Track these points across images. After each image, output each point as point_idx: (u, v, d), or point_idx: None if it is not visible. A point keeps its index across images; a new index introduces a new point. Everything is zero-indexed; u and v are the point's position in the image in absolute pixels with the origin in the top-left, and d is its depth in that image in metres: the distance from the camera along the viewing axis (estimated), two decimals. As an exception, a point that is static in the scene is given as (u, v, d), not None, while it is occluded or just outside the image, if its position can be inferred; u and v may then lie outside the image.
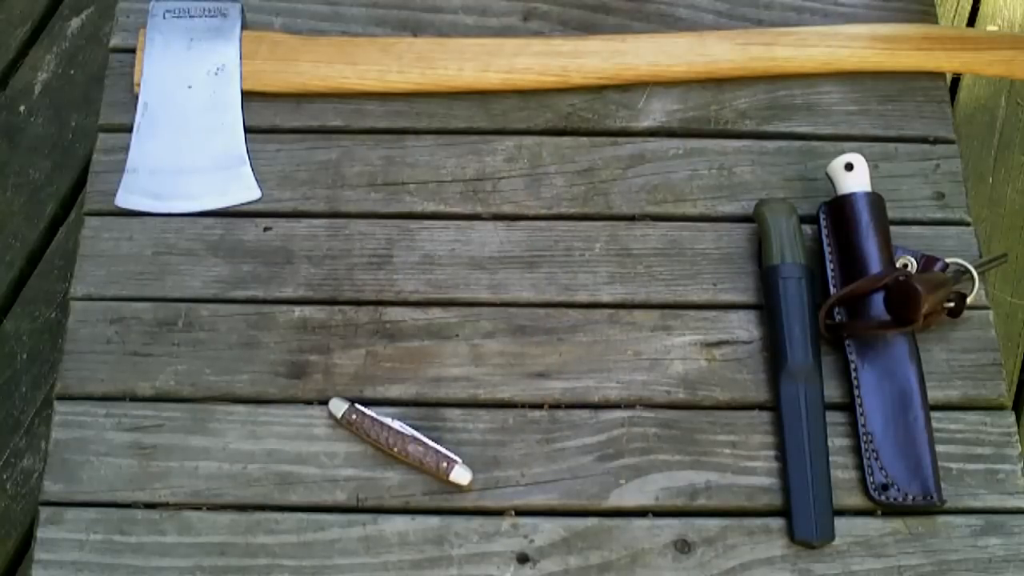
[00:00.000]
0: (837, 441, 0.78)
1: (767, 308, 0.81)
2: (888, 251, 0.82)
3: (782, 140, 0.90)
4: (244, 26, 0.91)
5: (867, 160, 0.84)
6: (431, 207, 0.86)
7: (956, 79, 1.77)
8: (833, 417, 0.79)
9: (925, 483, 0.76)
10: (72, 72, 1.73)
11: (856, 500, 0.77)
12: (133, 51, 0.90)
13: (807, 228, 0.85)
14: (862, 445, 0.77)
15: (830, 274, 0.82)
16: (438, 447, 0.75)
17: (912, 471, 0.76)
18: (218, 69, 0.88)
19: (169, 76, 0.88)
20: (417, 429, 0.76)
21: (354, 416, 0.76)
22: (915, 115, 0.91)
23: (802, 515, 0.75)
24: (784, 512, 0.76)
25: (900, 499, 0.76)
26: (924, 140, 0.91)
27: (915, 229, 0.87)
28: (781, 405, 0.78)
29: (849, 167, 0.83)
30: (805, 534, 0.74)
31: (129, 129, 0.87)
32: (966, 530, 0.76)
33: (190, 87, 0.88)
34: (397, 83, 0.89)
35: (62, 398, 0.78)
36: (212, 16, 0.90)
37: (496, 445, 0.77)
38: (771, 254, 0.81)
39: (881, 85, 0.92)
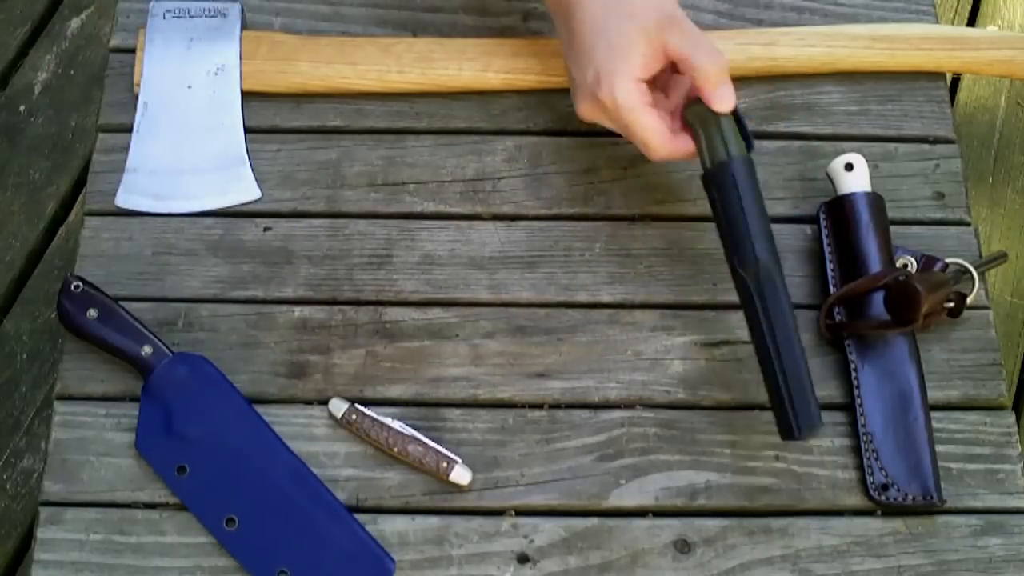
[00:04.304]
0: (837, 441, 0.78)
1: (720, 209, 0.78)
2: (888, 251, 0.82)
3: (782, 140, 0.90)
4: (244, 26, 0.91)
5: (867, 160, 0.84)
6: (431, 207, 0.86)
7: (956, 79, 1.77)
8: (833, 417, 0.79)
9: (925, 483, 0.76)
10: (72, 72, 1.74)
11: (856, 500, 0.77)
12: (133, 51, 0.90)
13: (807, 228, 0.86)
14: (862, 445, 0.77)
15: (830, 274, 0.83)
16: (438, 447, 0.76)
17: (912, 471, 0.76)
18: (218, 69, 0.88)
19: (169, 76, 0.88)
20: (417, 429, 0.76)
21: (354, 416, 0.76)
22: (915, 115, 0.91)
23: (780, 416, 0.73)
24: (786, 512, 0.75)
25: (900, 499, 0.76)
26: (924, 140, 0.91)
27: (915, 229, 0.87)
28: (742, 304, 0.76)
29: (849, 167, 0.84)
30: (787, 433, 0.73)
31: (129, 129, 0.87)
32: (966, 530, 0.76)
33: (190, 87, 0.88)
34: (397, 83, 0.89)
35: (62, 398, 0.78)
36: (212, 16, 0.90)
37: (496, 445, 0.77)
38: (717, 152, 0.78)
39: (881, 85, 0.92)
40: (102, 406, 0.78)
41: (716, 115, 0.77)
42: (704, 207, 0.86)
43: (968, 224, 0.88)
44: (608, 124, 0.81)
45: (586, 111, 0.81)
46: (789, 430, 0.73)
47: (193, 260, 0.83)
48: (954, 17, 1.85)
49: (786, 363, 0.73)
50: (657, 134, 0.78)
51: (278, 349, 0.80)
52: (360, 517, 0.74)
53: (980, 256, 0.86)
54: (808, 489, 0.77)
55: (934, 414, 0.79)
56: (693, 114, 0.79)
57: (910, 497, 0.76)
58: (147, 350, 0.76)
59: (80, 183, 1.62)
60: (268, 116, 0.89)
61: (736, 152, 0.77)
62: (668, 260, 0.84)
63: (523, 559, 0.74)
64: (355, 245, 0.84)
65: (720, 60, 0.77)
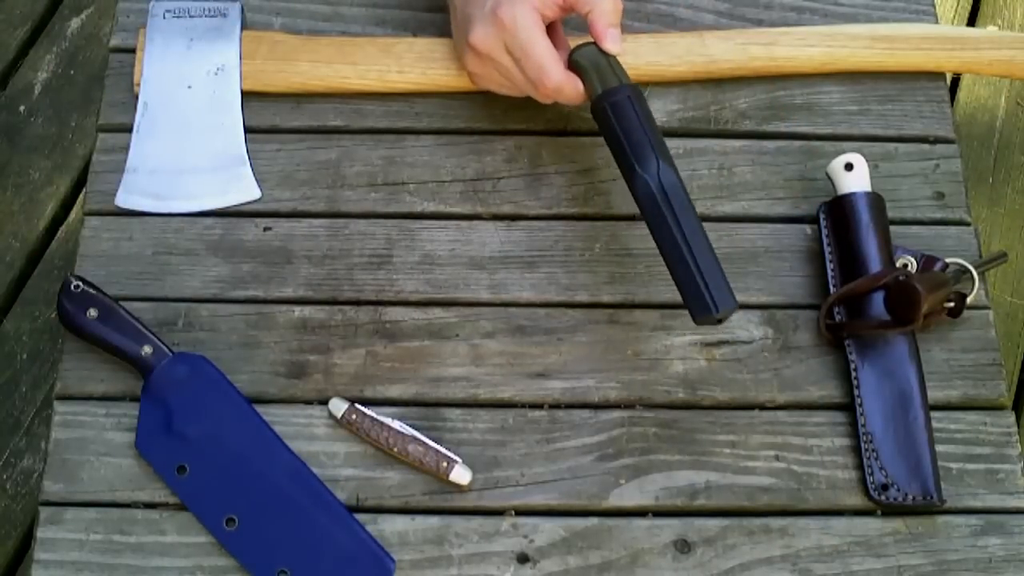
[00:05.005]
0: (837, 441, 0.78)
1: (617, 125, 0.79)
2: (888, 251, 0.82)
3: (782, 140, 0.90)
4: (244, 26, 0.91)
5: (867, 160, 0.84)
6: (431, 207, 0.86)
7: (956, 79, 1.77)
8: (833, 417, 0.79)
9: (925, 483, 0.76)
10: (72, 72, 1.74)
11: (856, 500, 0.77)
12: (133, 51, 0.90)
13: (807, 228, 0.86)
14: (862, 445, 0.77)
15: (830, 274, 0.83)
16: (438, 447, 0.76)
17: (912, 471, 0.76)
18: (218, 69, 0.88)
19: (169, 76, 0.88)
20: (417, 429, 0.76)
21: (354, 416, 0.76)
22: (915, 115, 0.91)
23: (695, 298, 0.73)
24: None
25: (900, 499, 0.76)
26: (924, 140, 0.91)
27: (915, 229, 0.87)
28: (642, 207, 0.76)
29: (849, 167, 0.84)
30: (703, 312, 0.73)
31: (129, 129, 0.87)
32: (966, 530, 0.76)
33: (190, 87, 0.88)
34: (397, 83, 0.89)
35: (62, 398, 0.78)
36: (212, 16, 0.90)
37: (496, 445, 0.77)
38: (609, 80, 0.80)
39: (881, 85, 0.92)
40: (102, 406, 0.78)
41: (605, 54, 0.81)
42: (702, 207, 0.87)
43: (968, 224, 0.88)
44: (500, 55, 0.81)
45: (480, 40, 0.80)
46: (706, 308, 0.72)
47: (193, 260, 0.83)
48: (954, 17, 1.85)
49: (696, 250, 0.74)
50: (552, 57, 0.79)
51: (278, 349, 0.80)
52: (360, 517, 0.74)
53: (980, 256, 0.86)
54: (808, 489, 0.77)
55: (934, 414, 0.79)
56: (581, 55, 0.81)
57: (910, 497, 0.76)
58: (147, 350, 0.76)
59: (80, 183, 1.62)
60: (268, 116, 0.89)
61: (628, 80, 0.80)
62: (668, 260, 0.84)
63: (523, 559, 0.74)
64: (355, 245, 0.84)
65: (615, 0, 0.80)
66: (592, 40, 0.81)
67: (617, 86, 0.80)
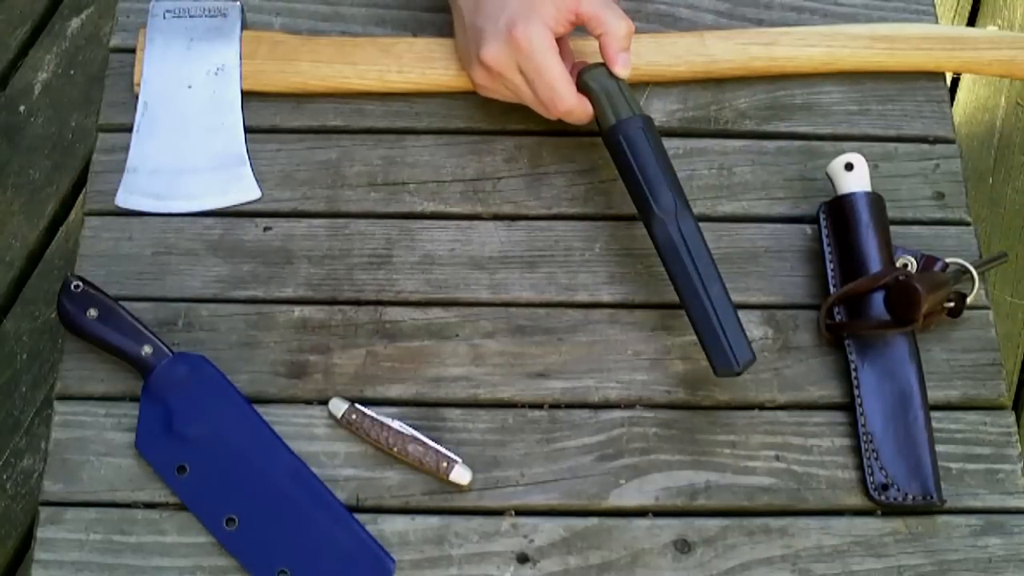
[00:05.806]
0: (837, 441, 0.78)
1: (633, 160, 0.80)
2: (888, 251, 0.82)
3: (782, 140, 0.90)
4: (244, 26, 0.91)
5: (867, 160, 0.84)
6: (431, 207, 0.86)
7: (956, 79, 1.77)
8: (833, 417, 0.79)
9: (925, 483, 0.76)
10: (72, 72, 1.74)
11: (856, 500, 0.77)
12: (133, 51, 0.90)
13: (807, 228, 0.86)
14: (862, 445, 0.77)
15: (830, 274, 0.83)
16: (438, 447, 0.76)
17: (912, 471, 0.76)
18: (218, 69, 0.88)
19: (169, 76, 0.88)
20: (417, 429, 0.76)
21: (354, 416, 0.76)
22: (915, 115, 0.91)
23: (718, 353, 0.74)
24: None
25: (900, 499, 0.76)
26: (924, 140, 0.91)
27: (915, 229, 0.87)
28: (661, 251, 0.78)
29: (849, 167, 0.84)
30: (724, 365, 0.74)
31: (129, 129, 0.87)
32: (966, 530, 0.76)
33: (190, 87, 0.88)
34: (397, 83, 0.89)
35: (62, 398, 0.78)
36: (212, 16, 0.90)
37: (496, 445, 0.77)
38: (621, 110, 0.81)
39: (881, 85, 0.92)
40: (102, 406, 0.78)
41: (615, 79, 0.81)
42: (703, 207, 0.87)
43: (968, 224, 0.88)
44: (512, 74, 0.81)
45: (492, 58, 0.80)
46: (728, 363, 0.74)
47: (193, 260, 0.83)
48: (954, 17, 1.85)
49: (715, 299, 0.75)
50: (566, 81, 0.80)
51: (278, 349, 0.80)
52: (360, 517, 0.74)
53: (980, 256, 0.86)
54: (808, 489, 0.77)
55: (934, 414, 0.79)
56: (592, 77, 0.82)
57: (910, 497, 0.76)
58: (147, 350, 0.76)
59: (80, 183, 1.63)
60: (268, 116, 0.89)
61: (639, 111, 0.81)
62: (668, 260, 0.84)
63: (523, 559, 0.74)
64: (355, 245, 0.84)
65: (628, 25, 0.81)
66: (601, 62, 0.82)
67: (630, 117, 0.80)
